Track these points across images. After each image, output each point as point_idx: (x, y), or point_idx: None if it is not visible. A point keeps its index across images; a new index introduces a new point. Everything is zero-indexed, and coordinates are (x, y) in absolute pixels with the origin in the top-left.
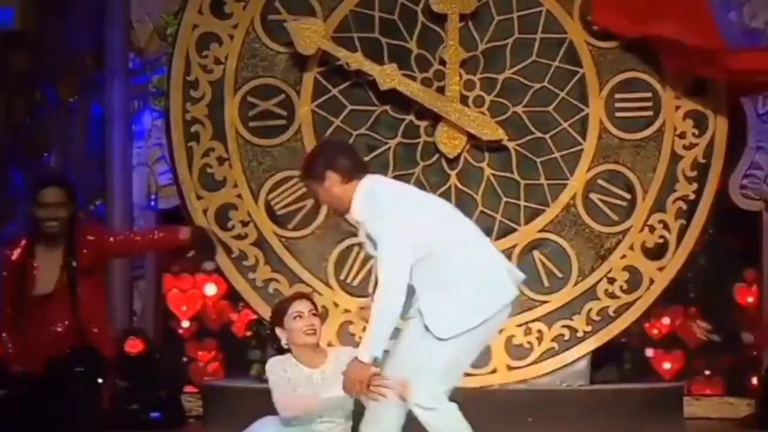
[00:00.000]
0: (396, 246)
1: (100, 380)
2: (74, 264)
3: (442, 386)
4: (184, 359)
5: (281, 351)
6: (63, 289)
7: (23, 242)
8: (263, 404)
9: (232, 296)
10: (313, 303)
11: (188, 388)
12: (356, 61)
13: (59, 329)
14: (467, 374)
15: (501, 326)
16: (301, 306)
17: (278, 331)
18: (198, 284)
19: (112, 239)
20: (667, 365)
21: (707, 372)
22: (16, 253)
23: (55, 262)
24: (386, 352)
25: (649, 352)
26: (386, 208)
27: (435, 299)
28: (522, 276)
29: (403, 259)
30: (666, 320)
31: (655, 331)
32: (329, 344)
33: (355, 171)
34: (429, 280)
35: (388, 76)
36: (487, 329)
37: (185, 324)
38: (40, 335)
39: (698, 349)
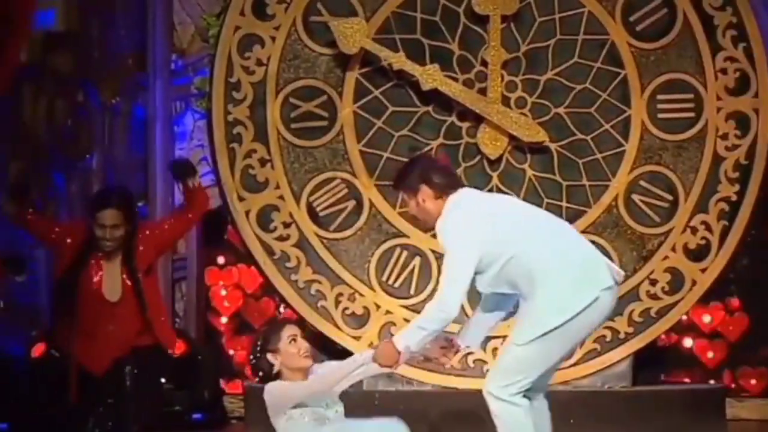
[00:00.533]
0: (460, 265)
1: (162, 380)
2: (135, 267)
3: (511, 380)
4: (231, 352)
5: (268, 380)
6: (129, 294)
7: (84, 235)
8: None
9: (274, 292)
10: (299, 327)
11: (230, 387)
12: (399, 61)
13: (128, 332)
14: None
15: (595, 322)
16: (294, 330)
17: (271, 357)
18: (242, 278)
19: (166, 227)
20: (710, 354)
21: (752, 363)
22: (78, 237)
23: (116, 268)
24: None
25: (692, 343)
26: (461, 223)
27: (522, 306)
28: (621, 273)
29: (463, 279)
30: (707, 318)
31: (697, 323)
32: (370, 345)
33: (449, 187)
34: (519, 288)
35: (430, 76)
36: (569, 330)
37: (226, 320)
38: (107, 338)
39: (741, 341)
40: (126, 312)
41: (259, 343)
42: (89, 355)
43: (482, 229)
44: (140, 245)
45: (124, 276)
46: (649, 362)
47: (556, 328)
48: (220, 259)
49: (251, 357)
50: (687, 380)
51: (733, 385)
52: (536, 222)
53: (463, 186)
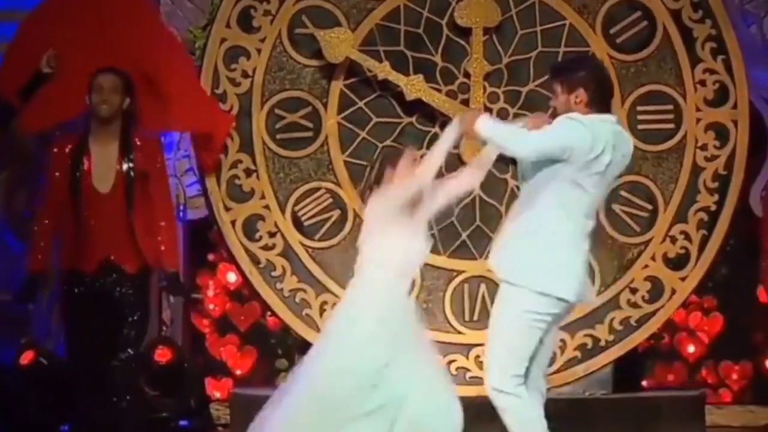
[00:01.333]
0: (553, 137)
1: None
2: (130, 164)
3: (505, 369)
4: (218, 351)
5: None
6: (120, 189)
7: (75, 138)
8: None
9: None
10: None
11: (215, 386)
12: (383, 70)
13: (114, 230)
14: None
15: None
16: (417, 153)
17: (389, 171)
18: (228, 273)
19: (158, 166)
20: (691, 348)
21: (734, 358)
22: (68, 147)
23: (110, 160)
24: None
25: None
26: (574, 130)
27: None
28: (588, 299)
29: (548, 144)
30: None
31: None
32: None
33: (602, 105)
34: (529, 206)
35: (414, 86)
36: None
37: (211, 322)
38: (94, 233)
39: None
40: (115, 207)
41: (380, 159)
42: (76, 254)
43: (575, 149)
44: (136, 150)
45: (118, 167)
46: (630, 366)
47: (524, 287)
48: (210, 256)
49: (370, 173)
50: (670, 377)
51: (710, 380)
52: (594, 201)
53: (610, 112)
